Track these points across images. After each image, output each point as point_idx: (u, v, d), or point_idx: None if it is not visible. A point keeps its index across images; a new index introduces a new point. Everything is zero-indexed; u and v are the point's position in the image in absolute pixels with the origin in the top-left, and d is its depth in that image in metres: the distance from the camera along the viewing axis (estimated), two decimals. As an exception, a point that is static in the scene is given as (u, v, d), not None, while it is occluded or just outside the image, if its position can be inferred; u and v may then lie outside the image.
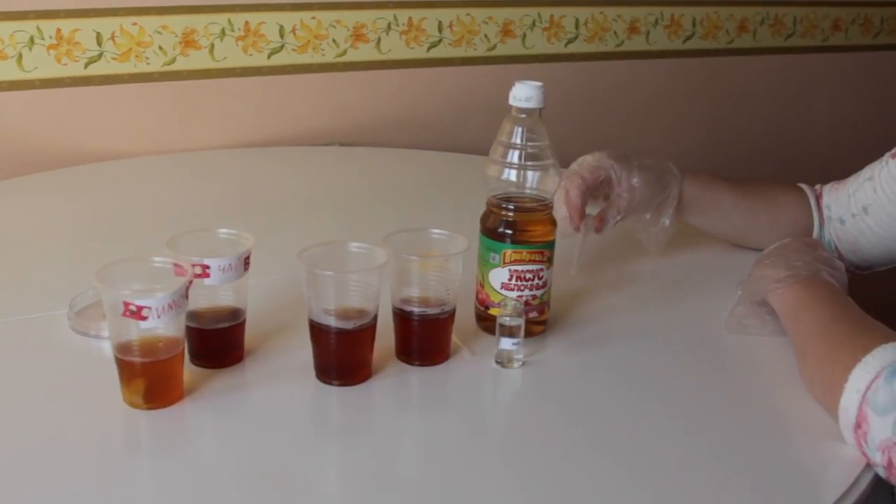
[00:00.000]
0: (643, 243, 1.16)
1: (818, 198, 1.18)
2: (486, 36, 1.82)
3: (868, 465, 0.78)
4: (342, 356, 0.87)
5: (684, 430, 0.84)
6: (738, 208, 1.15)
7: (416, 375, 0.91)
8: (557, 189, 0.97)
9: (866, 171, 1.11)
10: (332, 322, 0.85)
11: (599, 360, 0.96)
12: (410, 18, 1.75)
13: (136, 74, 1.57)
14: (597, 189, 1.09)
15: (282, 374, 0.89)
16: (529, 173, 0.94)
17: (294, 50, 1.69)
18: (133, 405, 0.82)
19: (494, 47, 1.83)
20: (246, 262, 0.89)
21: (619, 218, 1.09)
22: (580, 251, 1.08)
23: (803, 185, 1.20)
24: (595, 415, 0.86)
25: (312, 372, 0.89)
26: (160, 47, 1.58)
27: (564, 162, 1.01)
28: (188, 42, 1.59)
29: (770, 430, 0.84)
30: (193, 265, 0.85)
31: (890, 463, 0.74)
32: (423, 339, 0.92)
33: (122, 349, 0.81)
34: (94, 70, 1.53)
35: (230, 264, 0.87)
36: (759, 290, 0.98)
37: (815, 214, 1.16)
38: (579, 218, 1.06)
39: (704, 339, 1.01)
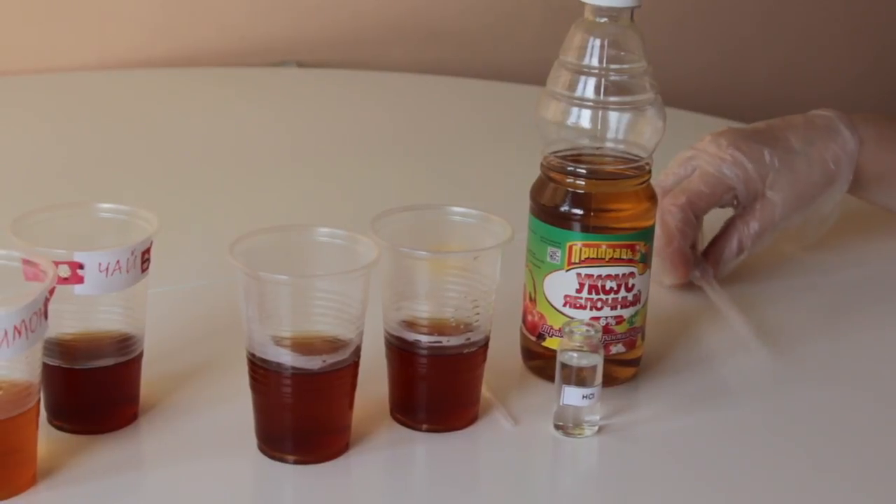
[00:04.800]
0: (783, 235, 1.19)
1: None
2: None
3: None
4: (303, 415, 0.87)
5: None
6: None
7: (425, 448, 0.91)
8: (659, 140, 0.96)
9: None
10: (287, 359, 0.85)
11: (726, 424, 0.96)
12: None
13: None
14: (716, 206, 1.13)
15: (202, 445, 0.89)
16: (613, 116, 0.94)
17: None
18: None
19: None
20: (144, 259, 0.89)
21: (742, 257, 1.13)
22: (737, 318, 1.08)
23: None
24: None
25: (253, 441, 0.89)
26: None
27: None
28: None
29: None
30: (57, 263, 0.83)
31: None
32: (437, 387, 0.92)
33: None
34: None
35: (117, 262, 0.86)
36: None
37: None
38: (684, 266, 1.10)
39: None
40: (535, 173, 0.96)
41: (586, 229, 0.94)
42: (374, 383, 0.91)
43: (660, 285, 1.08)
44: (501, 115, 1.61)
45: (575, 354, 0.90)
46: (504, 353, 0.97)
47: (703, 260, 1.12)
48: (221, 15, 1.76)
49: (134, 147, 1.47)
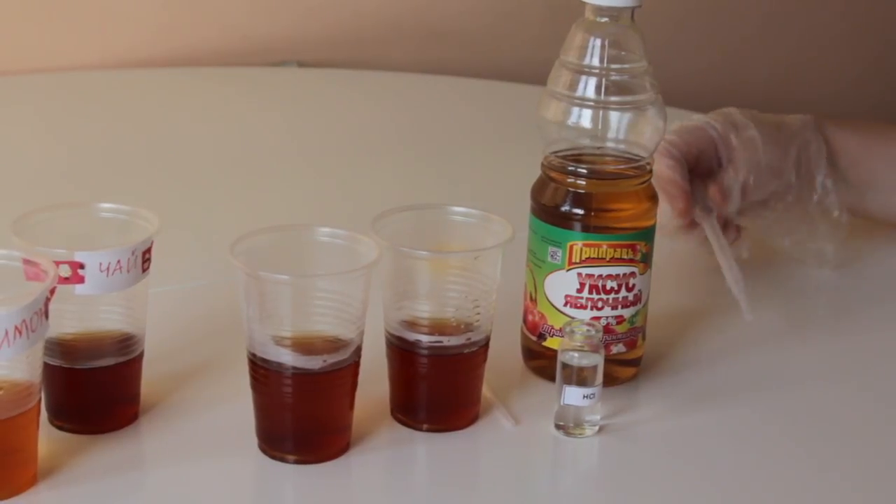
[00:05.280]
0: (806, 257, 1.19)
1: None
2: None
3: None
4: (303, 415, 0.87)
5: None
6: None
7: (425, 448, 0.91)
8: (660, 140, 0.96)
9: None
10: (288, 359, 0.85)
11: (726, 424, 0.96)
12: None
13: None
14: (700, 164, 1.12)
15: (203, 445, 0.89)
16: (614, 116, 0.93)
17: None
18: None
19: None
20: (145, 259, 0.88)
21: (742, 181, 1.11)
22: (730, 266, 1.06)
23: None
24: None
25: (254, 441, 0.88)
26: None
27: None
28: None
29: None
30: (58, 263, 0.83)
31: None
32: (437, 387, 0.92)
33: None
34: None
35: (118, 262, 0.86)
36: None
37: None
38: (685, 198, 1.08)
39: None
40: (535, 173, 0.96)
41: (587, 229, 0.93)
42: (374, 383, 0.91)
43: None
44: (502, 115, 1.61)
45: (576, 354, 0.90)
46: (505, 353, 0.97)
47: (706, 196, 1.10)
48: (223, 15, 1.76)
49: (135, 147, 1.46)
